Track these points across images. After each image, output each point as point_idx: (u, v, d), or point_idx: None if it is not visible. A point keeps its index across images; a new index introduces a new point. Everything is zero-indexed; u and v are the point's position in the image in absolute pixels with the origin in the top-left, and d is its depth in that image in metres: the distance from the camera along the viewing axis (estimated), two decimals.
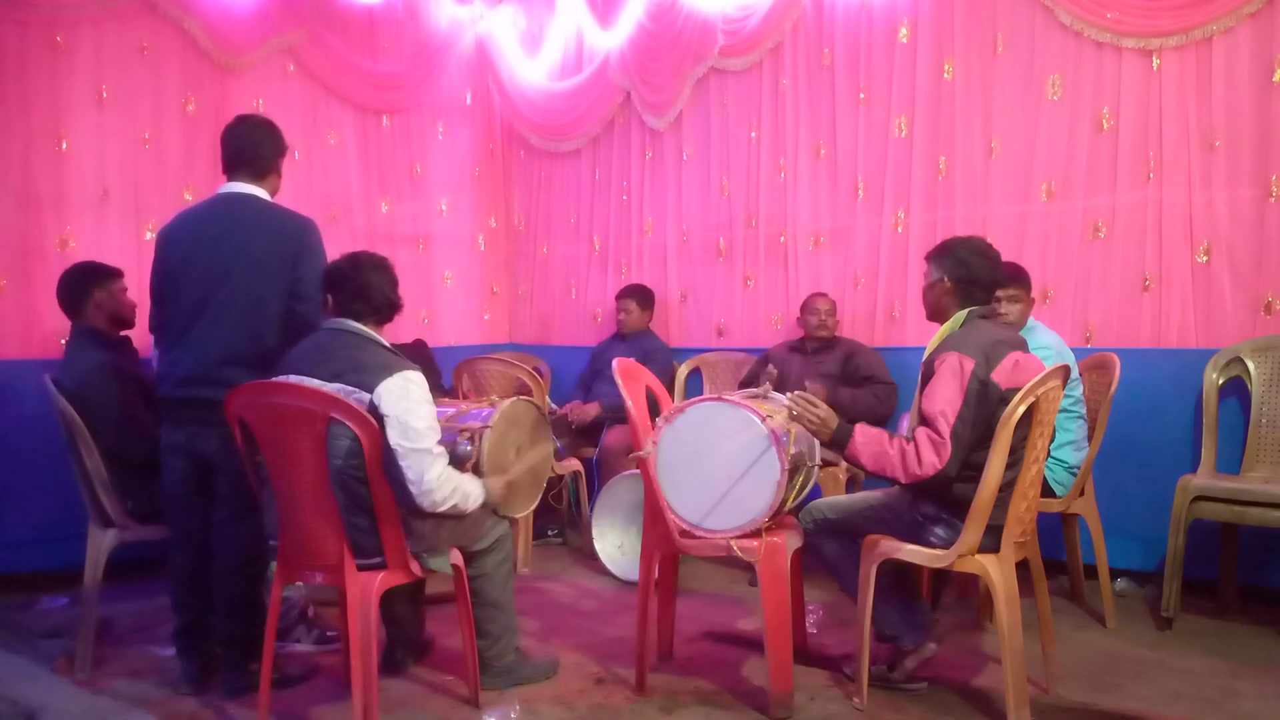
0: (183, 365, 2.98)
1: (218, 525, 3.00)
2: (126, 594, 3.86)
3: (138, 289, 3.98)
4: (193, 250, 3.00)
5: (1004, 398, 2.62)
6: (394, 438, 2.58)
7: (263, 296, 2.96)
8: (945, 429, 2.62)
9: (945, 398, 2.65)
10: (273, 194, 3.16)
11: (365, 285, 2.77)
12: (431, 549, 2.77)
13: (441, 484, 2.64)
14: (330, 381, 2.62)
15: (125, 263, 3.99)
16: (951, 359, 2.68)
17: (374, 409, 2.58)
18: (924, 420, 2.69)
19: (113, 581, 3.35)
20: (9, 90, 4.26)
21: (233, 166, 3.10)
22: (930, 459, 2.63)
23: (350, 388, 2.60)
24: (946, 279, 2.89)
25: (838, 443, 2.78)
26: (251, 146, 3.10)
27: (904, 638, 2.96)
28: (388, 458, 2.58)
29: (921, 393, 2.77)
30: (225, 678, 3.01)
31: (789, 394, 2.89)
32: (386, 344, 2.80)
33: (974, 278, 2.88)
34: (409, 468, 2.59)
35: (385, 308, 2.82)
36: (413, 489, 2.60)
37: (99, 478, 3.21)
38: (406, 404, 2.60)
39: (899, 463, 2.68)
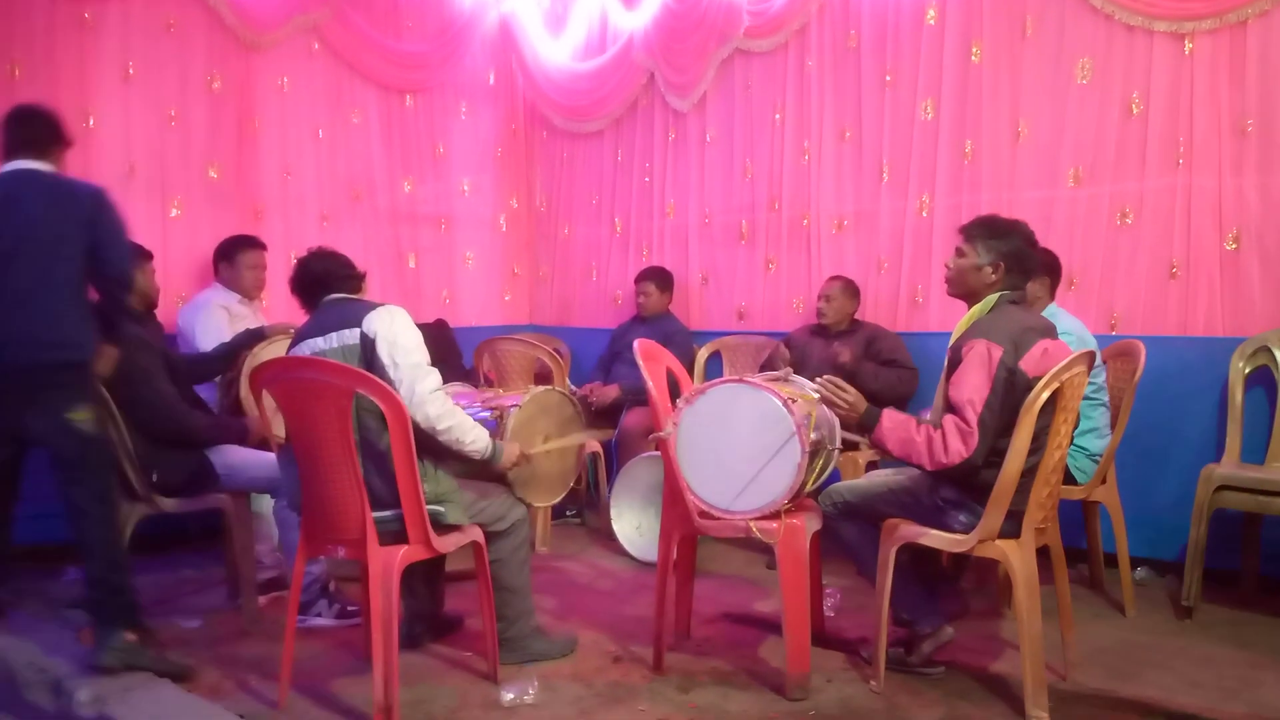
0: None
1: (64, 494, 2.93)
2: (150, 566, 3.90)
3: (162, 270, 4.16)
4: None
5: (1031, 385, 2.59)
6: (384, 355, 2.68)
7: (58, 268, 2.87)
8: (973, 418, 2.61)
9: (973, 386, 2.63)
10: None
11: (319, 273, 2.91)
12: (444, 497, 2.76)
13: (435, 398, 2.70)
14: (324, 335, 2.75)
15: (150, 240, 4.06)
16: (980, 346, 2.66)
17: (365, 338, 2.70)
18: (951, 408, 2.67)
19: (137, 554, 3.39)
20: (37, 66, 4.28)
21: (14, 148, 2.98)
22: (957, 448, 2.61)
23: (342, 332, 2.73)
24: (1003, 265, 2.80)
25: (865, 426, 2.77)
26: (34, 128, 3.00)
27: (921, 622, 2.95)
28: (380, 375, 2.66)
29: (948, 379, 2.75)
30: (95, 643, 2.86)
31: (818, 378, 2.88)
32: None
33: (1024, 268, 2.84)
34: (400, 381, 2.66)
35: (347, 279, 2.94)
36: (406, 403, 2.63)
37: (125, 451, 3.24)
38: (393, 325, 2.73)
39: (925, 450, 2.67)
